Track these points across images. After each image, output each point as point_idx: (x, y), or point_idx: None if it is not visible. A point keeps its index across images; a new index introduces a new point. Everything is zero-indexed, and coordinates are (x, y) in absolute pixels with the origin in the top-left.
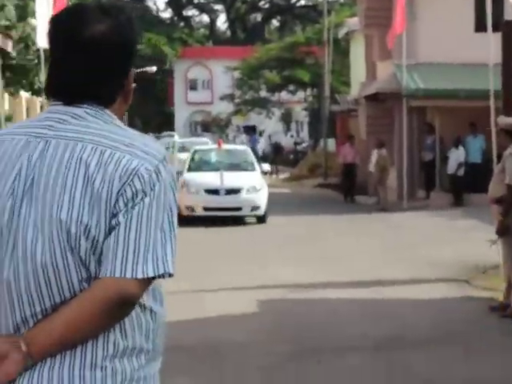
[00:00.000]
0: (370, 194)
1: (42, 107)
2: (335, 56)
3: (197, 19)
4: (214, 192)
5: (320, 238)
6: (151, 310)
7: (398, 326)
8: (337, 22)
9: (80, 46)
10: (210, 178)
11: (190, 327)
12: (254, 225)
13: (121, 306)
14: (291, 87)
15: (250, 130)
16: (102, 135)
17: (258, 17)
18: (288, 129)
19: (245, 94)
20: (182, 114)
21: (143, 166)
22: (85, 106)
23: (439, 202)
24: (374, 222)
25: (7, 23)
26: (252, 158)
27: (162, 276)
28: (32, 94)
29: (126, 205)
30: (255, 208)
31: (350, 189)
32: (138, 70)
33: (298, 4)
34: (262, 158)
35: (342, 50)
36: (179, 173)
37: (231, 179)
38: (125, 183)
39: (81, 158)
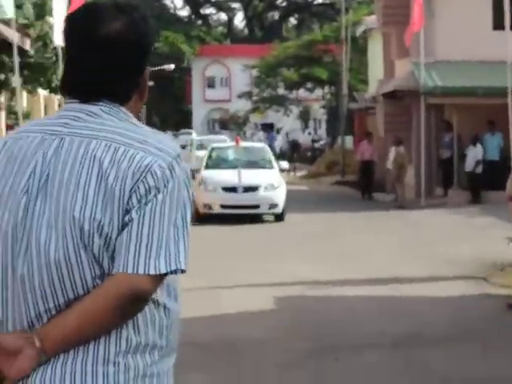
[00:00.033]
0: (388, 191)
1: (59, 105)
2: (353, 54)
3: (214, 17)
4: (231, 190)
5: (338, 235)
6: (165, 307)
7: (415, 324)
8: (354, 20)
9: (96, 44)
10: (227, 176)
11: (208, 324)
12: (272, 223)
13: (133, 302)
14: (309, 85)
15: (268, 128)
16: (117, 132)
17: (276, 15)
18: (306, 126)
19: (262, 91)
20: (199, 111)
21: (156, 163)
22: (100, 103)
23: (457, 200)
24: (391, 219)
25: (25, 21)
26: (270, 155)
27: (175, 272)
28: (50, 92)
29: (139, 201)
30: (273, 206)
31: (367, 186)
32: (156, 68)
33: (316, 2)
34: (279, 156)
35: (359, 47)
36: (197, 170)
37: (249, 177)
38: (138, 180)
39: (95, 155)
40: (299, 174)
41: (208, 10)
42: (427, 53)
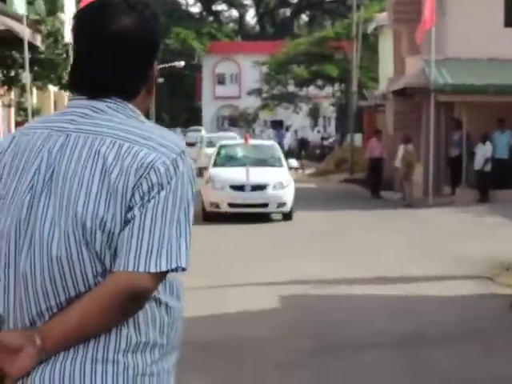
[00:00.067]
0: (396, 189)
1: None
2: (364, 51)
3: (226, 14)
4: (239, 188)
5: (346, 232)
6: (167, 305)
7: (423, 323)
8: (366, 17)
9: (106, 40)
10: (235, 174)
11: (211, 322)
12: (280, 220)
13: (133, 300)
14: (319, 82)
15: (277, 125)
16: (122, 129)
17: (287, 11)
18: (315, 124)
19: (272, 88)
20: (209, 108)
21: (160, 160)
22: (107, 100)
23: (465, 198)
24: (399, 217)
25: (37, 17)
26: (279, 153)
27: (176, 270)
28: (60, 89)
29: (141, 198)
30: (281, 204)
31: (376, 184)
32: (167, 65)
33: None
34: (287, 153)
35: (370, 45)
36: (206, 168)
37: (257, 175)
38: (141, 177)
39: (99, 152)
40: (308, 171)
41: (220, 7)
42: (438, 50)
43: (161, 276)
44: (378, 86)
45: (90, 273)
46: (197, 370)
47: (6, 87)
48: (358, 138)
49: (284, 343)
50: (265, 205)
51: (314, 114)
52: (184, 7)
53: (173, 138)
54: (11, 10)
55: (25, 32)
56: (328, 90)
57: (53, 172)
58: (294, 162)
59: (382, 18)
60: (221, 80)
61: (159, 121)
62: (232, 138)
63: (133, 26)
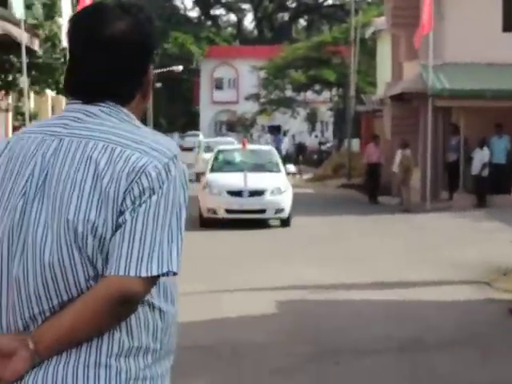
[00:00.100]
0: (394, 194)
1: None
2: (362, 56)
3: (224, 18)
4: (236, 194)
5: (343, 238)
6: (160, 310)
7: (420, 328)
8: (364, 22)
9: (100, 46)
10: (233, 179)
11: (209, 327)
12: (278, 227)
13: (124, 304)
14: (317, 87)
15: (275, 130)
16: (114, 133)
17: (286, 16)
18: (313, 129)
19: (270, 93)
20: (207, 113)
21: (152, 164)
22: (101, 104)
23: (462, 204)
24: (397, 222)
25: (35, 22)
26: (277, 158)
27: (167, 274)
28: (57, 93)
29: (133, 203)
30: (279, 210)
31: (374, 189)
32: (165, 69)
33: (326, 3)
34: (284, 158)
35: (368, 49)
36: (203, 173)
37: (255, 180)
38: (132, 181)
39: (91, 157)
40: (305, 176)
41: (218, 11)
42: (436, 55)
43: (152, 280)
44: (375, 91)
45: (82, 277)
46: (196, 375)
47: (3, 92)
48: (355, 143)
49: (282, 348)
50: (262, 211)
51: (312, 118)
52: (182, 11)
53: (165, 143)
54: (9, 14)
55: (22, 36)
56: (326, 94)
57: (46, 176)
58: (291, 168)
59: (380, 22)
60: (219, 85)
61: (157, 125)
62: (230, 143)
63: (127, 30)
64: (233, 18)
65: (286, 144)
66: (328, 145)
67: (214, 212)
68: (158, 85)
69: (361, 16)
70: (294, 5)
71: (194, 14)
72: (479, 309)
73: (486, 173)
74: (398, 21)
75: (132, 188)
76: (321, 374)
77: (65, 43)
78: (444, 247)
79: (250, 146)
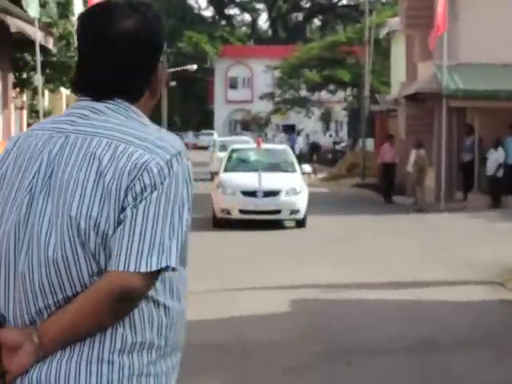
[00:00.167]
0: (408, 194)
1: None
2: (376, 56)
3: (238, 18)
4: (251, 194)
5: (358, 237)
6: (165, 306)
7: (435, 328)
8: (378, 22)
9: (108, 44)
10: (247, 179)
11: (222, 326)
12: (293, 228)
13: (125, 300)
14: (331, 87)
15: (289, 130)
16: (119, 130)
17: (300, 16)
18: (327, 128)
19: (285, 93)
20: (221, 112)
21: (154, 161)
22: (108, 101)
23: (477, 204)
24: (411, 222)
25: (49, 20)
26: (292, 158)
27: (165, 269)
28: (72, 91)
29: (134, 199)
30: (294, 211)
31: (388, 189)
32: (179, 69)
33: (340, 3)
34: (298, 158)
35: (382, 50)
36: (218, 173)
37: (270, 180)
38: (134, 178)
39: (95, 153)
40: (319, 176)
41: (232, 11)
42: (450, 55)
43: (152, 276)
44: (390, 91)
45: (85, 272)
46: (208, 373)
47: (18, 89)
48: (369, 143)
49: (295, 347)
50: (277, 211)
51: (326, 118)
52: (196, 11)
53: (170, 140)
54: (24, 12)
55: (37, 35)
56: (340, 94)
57: (52, 173)
58: (307, 167)
59: (395, 22)
60: (233, 84)
61: (171, 124)
62: (246, 142)
63: (135, 28)
64: (247, 17)
65: (300, 143)
66: (342, 144)
67: (228, 212)
68: (173, 83)
69: (375, 16)
70: (308, 5)
71: (208, 13)
72: (494, 309)
73: (500, 173)
74: (412, 21)
75: (134, 184)
76: (333, 374)
77: None
78: (458, 247)
79: (264, 145)
